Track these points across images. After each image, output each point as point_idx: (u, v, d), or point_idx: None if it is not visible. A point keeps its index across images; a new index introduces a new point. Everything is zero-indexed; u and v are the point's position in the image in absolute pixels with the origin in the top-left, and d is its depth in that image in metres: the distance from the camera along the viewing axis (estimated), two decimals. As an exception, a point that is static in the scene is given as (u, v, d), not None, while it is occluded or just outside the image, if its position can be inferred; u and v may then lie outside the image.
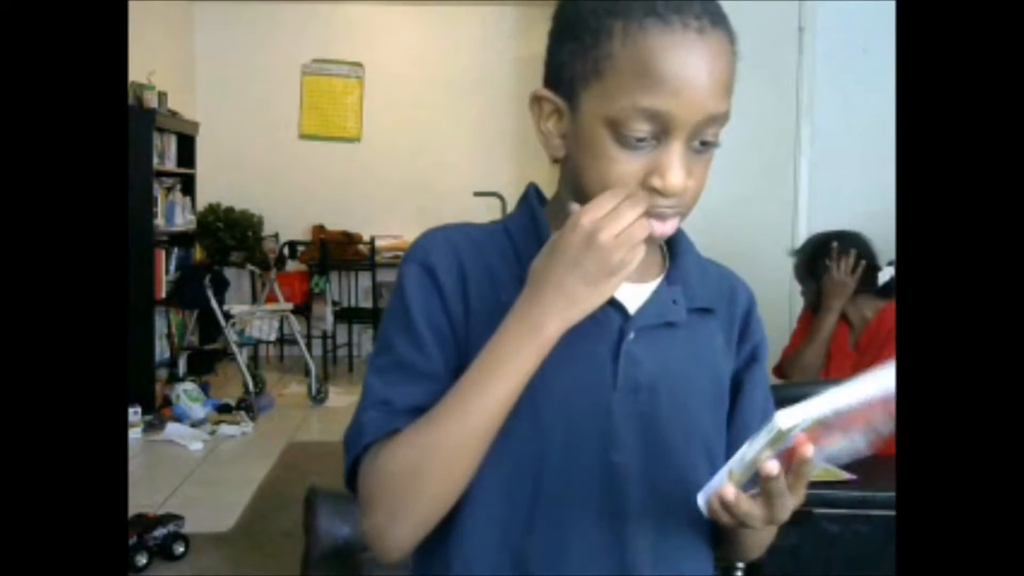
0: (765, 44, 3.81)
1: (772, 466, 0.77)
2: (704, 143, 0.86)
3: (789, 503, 0.81)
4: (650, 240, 0.89)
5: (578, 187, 0.89)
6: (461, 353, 0.89)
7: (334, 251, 7.01)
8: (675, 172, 0.84)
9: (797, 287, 2.94)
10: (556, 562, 0.88)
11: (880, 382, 0.76)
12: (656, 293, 0.93)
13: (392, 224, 7.29)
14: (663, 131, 0.83)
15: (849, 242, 2.72)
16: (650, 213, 0.84)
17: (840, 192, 3.73)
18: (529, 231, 0.94)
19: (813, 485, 2.26)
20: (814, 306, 2.78)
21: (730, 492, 0.80)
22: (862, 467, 2.31)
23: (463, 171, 7.03)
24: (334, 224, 7.45)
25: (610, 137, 0.84)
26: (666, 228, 0.87)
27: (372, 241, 7.01)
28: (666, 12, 0.82)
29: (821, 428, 0.77)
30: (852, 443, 0.80)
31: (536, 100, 0.91)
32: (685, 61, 0.82)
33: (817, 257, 2.74)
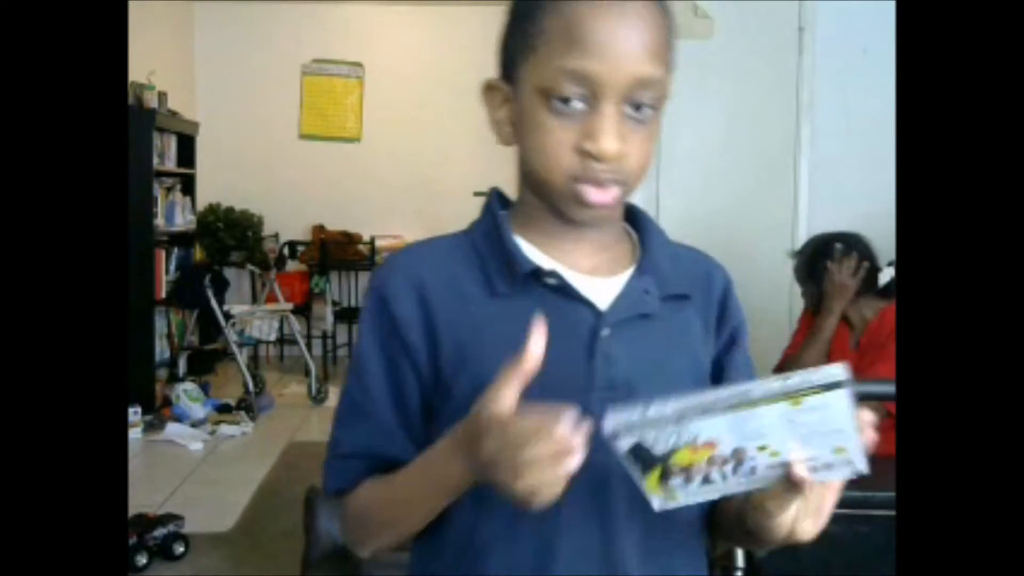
0: (765, 44, 3.81)
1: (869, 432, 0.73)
2: (639, 108, 0.86)
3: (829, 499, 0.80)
4: (605, 219, 0.91)
5: (523, 169, 0.91)
6: (427, 376, 0.91)
7: (334, 251, 7.01)
8: (606, 134, 0.84)
9: (797, 287, 2.94)
10: (544, 564, 0.88)
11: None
12: (627, 286, 0.93)
13: (392, 224, 7.29)
14: (592, 95, 0.84)
15: (850, 243, 2.72)
16: (586, 178, 0.85)
17: (840, 192, 3.74)
18: (491, 237, 0.94)
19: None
20: (815, 307, 2.78)
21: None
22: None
23: (463, 171, 7.02)
24: (334, 224, 7.45)
25: (543, 106, 0.86)
26: (604, 197, 0.87)
27: (372, 241, 7.01)
28: None
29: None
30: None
31: (488, 89, 0.93)
32: (608, 24, 0.84)
33: (818, 258, 2.74)
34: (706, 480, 0.79)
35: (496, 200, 0.98)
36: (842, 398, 0.71)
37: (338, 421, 0.96)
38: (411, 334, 0.90)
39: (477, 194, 0.98)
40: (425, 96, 7.39)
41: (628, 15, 0.84)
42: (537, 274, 0.91)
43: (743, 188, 3.88)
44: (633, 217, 1.00)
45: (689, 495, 0.80)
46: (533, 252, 0.93)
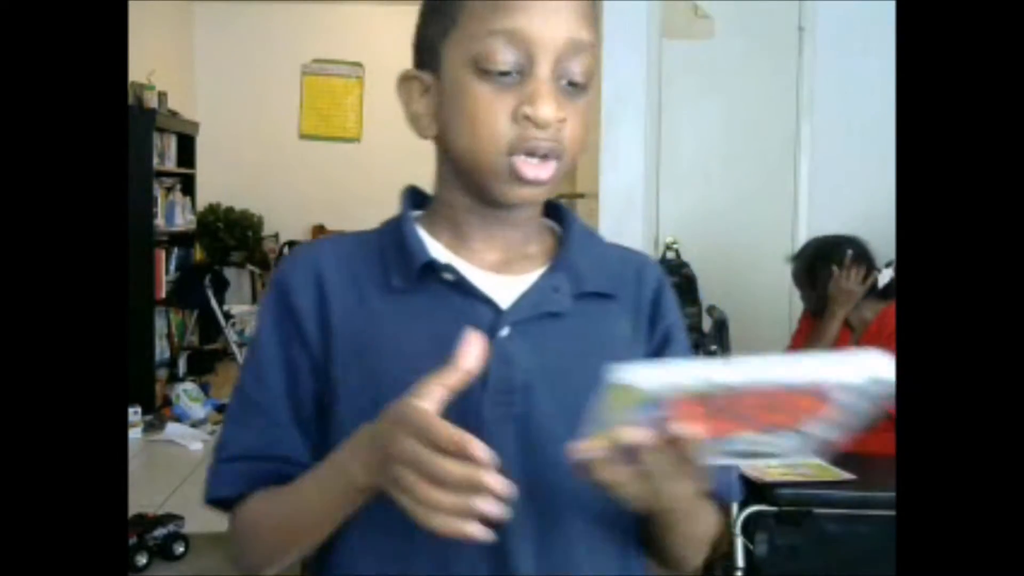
0: (765, 44, 3.81)
1: (635, 433, 0.69)
2: (572, 84, 0.84)
3: (678, 488, 0.73)
4: (533, 203, 0.87)
5: (450, 157, 0.87)
6: (321, 371, 0.87)
7: (334, 251, 7.00)
8: (544, 100, 0.81)
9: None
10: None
11: (798, 370, 0.65)
12: (534, 283, 0.88)
13: (392, 224, 7.30)
14: (527, 60, 0.82)
15: (851, 247, 2.72)
16: (524, 147, 0.82)
17: (840, 192, 3.74)
18: (394, 234, 0.91)
19: (812, 485, 2.28)
20: (816, 310, 2.78)
21: (587, 448, 0.71)
22: (862, 467, 2.32)
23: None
24: (334, 224, 7.45)
25: (475, 77, 0.83)
26: (541, 171, 0.84)
27: (372, 241, 7.02)
28: None
29: (710, 408, 0.66)
30: (777, 442, 0.70)
31: (404, 81, 0.89)
32: None
33: (818, 262, 2.73)
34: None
35: (408, 197, 0.95)
36: (660, 404, 0.66)
37: (229, 419, 0.92)
38: (308, 325, 0.87)
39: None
40: (425, 96, 7.39)
41: None
42: (434, 268, 0.87)
43: (743, 188, 3.87)
44: (557, 215, 0.95)
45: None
46: (436, 248, 0.89)
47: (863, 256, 2.71)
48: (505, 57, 0.82)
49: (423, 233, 0.91)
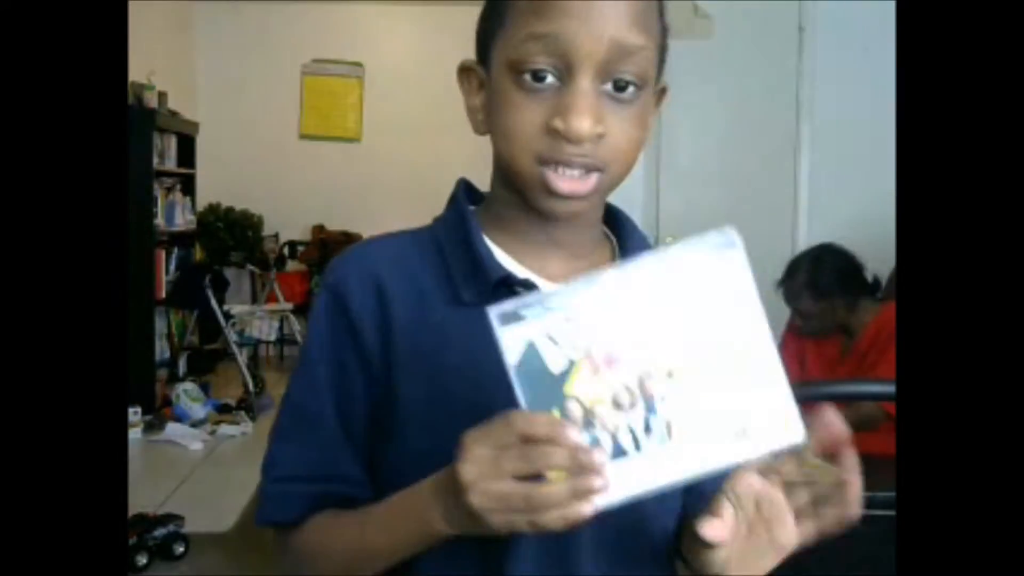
0: (765, 44, 3.81)
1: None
2: (619, 87, 0.77)
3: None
4: (578, 214, 0.81)
5: (495, 158, 0.83)
6: (379, 384, 0.82)
7: (334, 251, 7.00)
8: (578, 111, 0.75)
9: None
10: None
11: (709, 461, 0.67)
12: None
13: (392, 224, 7.18)
14: (565, 66, 0.76)
15: (831, 255, 2.68)
16: (554, 160, 0.77)
17: (840, 192, 3.74)
18: (457, 236, 0.85)
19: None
20: (821, 330, 2.66)
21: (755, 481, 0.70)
22: (862, 467, 2.31)
23: (463, 171, 7.01)
24: (334, 224, 7.45)
25: (512, 81, 0.77)
26: (575, 185, 0.78)
27: (372, 241, 7.02)
28: None
29: None
30: None
31: (463, 72, 0.85)
32: None
33: (820, 274, 2.64)
34: (618, 449, 0.67)
35: (464, 193, 0.89)
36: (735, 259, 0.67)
37: (279, 436, 0.85)
38: (367, 334, 0.82)
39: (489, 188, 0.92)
40: (425, 96, 7.39)
41: None
42: (508, 283, 0.82)
43: (743, 188, 3.88)
44: (613, 220, 0.91)
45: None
46: (503, 257, 0.84)
47: (835, 259, 2.67)
48: (540, 63, 0.76)
49: (486, 239, 0.85)
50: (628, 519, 0.80)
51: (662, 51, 0.82)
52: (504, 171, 0.82)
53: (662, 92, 0.86)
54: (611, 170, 0.79)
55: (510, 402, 0.77)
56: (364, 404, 0.84)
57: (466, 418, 0.77)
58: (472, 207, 0.89)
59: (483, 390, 0.78)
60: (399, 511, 0.77)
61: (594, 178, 0.79)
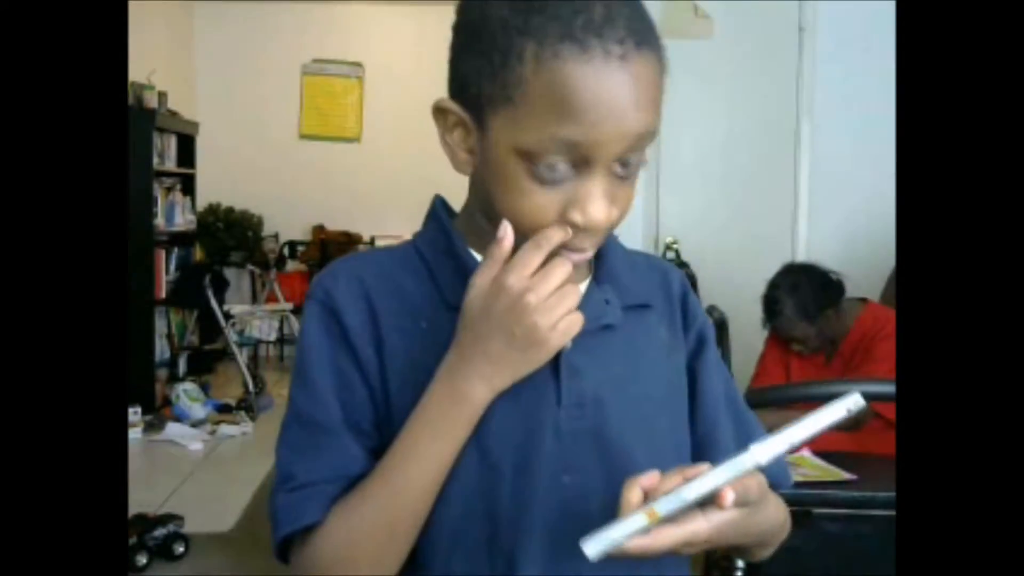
0: (765, 44, 3.81)
1: (728, 497, 0.72)
2: (626, 165, 0.77)
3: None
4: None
5: (490, 209, 0.82)
6: (376, 394, 0.83)
7: (334, 251, 7.01)
8: (597, 205, 0.76)
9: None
10: None
11: (835, 411, 0.72)
12: (586, 297, 0.84)
13: (392, 224, 7.29)
14: (583, 161, 0.75)
15: (805, 275, 2.66)
16: (570, 247, 0.78)
17: (840, 192, 3.73)
18: (440, 247, 0.86)
19: (812, 485, 2.28)
20: (822, 346, 2.64)
21: (648, 542, 0.72)
22: (862, 467, 2.32)
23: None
24: (334, 224, 7.45)
25: (524, 169, 0.75)
26: (584, 256, 0.81)
27: (372, 241, 7.02)
28: (584, 36, 0.72)
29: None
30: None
31: (438, 112, 0.82)
32: (606, 92, 0.72)
33: (805, 300, 2.61)
34: None
35: (442, 209, 0.90)
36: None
37: (291, 450, 0.83)
38: (362, 349, 0.83)
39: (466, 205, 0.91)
40: (425, 96, 7.33)
41: (626, 77, 0.73)
42: None
43: (743, 188, 3.87)
44: None
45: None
46: None
47: (812, 277, 2.67)
48: (558, 159, 0.74)
49: (469, 249, 0.86)
50: None
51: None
52: (503, 218, 0.80)
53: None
54: (612, 229, 0.82)
55: (503, 400, 0.79)
56: (369, 412, 0.83)
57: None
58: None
59: None
60: (422, 422, 0.79)
61: (599, 240, 0.81)
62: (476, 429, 0.80)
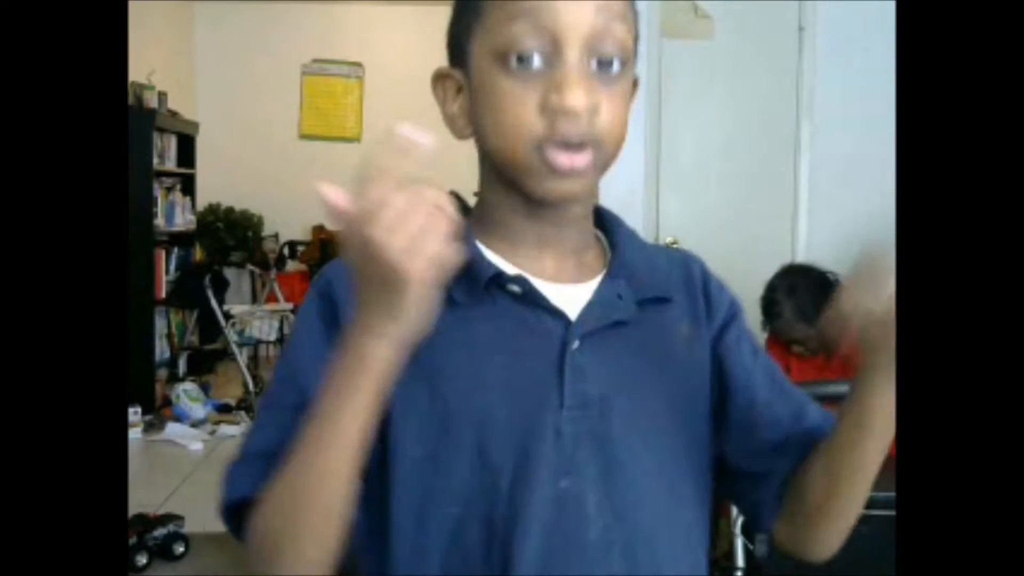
0: (765, 44, 3.81)
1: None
2: (605, 63, 0.78)
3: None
4: (576, 199, 0.82)
5: (484, 158, 0.83)
6: None
7: (334, 251, 7.00)
8: (572, 87, 0.76)
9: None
10: None
11: None
12: (598, 292, 0.84)
13: (392, 224, 7.29)
14: (552, 46, 0.77)
15: (801, 277, 2.65)
16: (555, 138, 0.77)
17: (840, 192, 3.73)
18: None
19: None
20: (822, 347, 2.64)
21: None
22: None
23: (463, 171, 7.03)
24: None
25: (499, 70, 0.78)
26: (576, 160, 0.78)
27: (372, 241, 7.02)
28: None
29: None
30: None
31: (438, 80, 0.86)
32: None
33: (803, 302, 2.60)
34: None
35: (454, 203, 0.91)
36: None
37: (252, 427, 0.83)
38: None
39: (477, 194, 0.92)
40: (425, 96, 7.37)
41: None
42: (500, 281, 0.82)
43: (743, 188, 3.87)
44: (601, 220, 0.92)
45: None
46: (494, 258, 0.84)
47: (813, 279, 2.65)
48: (528, 44, 0.77)
49: (477, 243, 0.84)
50: (637, 520, 0.81)
51: (636, 38, 0.84)
52: (498, 166, 0.82)
53: (635, 85, 0.87)
54: (604, 148, 0.80)
55: (505, 400, 0.78)
56: None
57: (463, 416, 0.79)
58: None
59: (478, 388, 0.79)
60: (332, 392, 0.72)
61: (590, 153, 0.79)
62: (476, 429, 0.79)
